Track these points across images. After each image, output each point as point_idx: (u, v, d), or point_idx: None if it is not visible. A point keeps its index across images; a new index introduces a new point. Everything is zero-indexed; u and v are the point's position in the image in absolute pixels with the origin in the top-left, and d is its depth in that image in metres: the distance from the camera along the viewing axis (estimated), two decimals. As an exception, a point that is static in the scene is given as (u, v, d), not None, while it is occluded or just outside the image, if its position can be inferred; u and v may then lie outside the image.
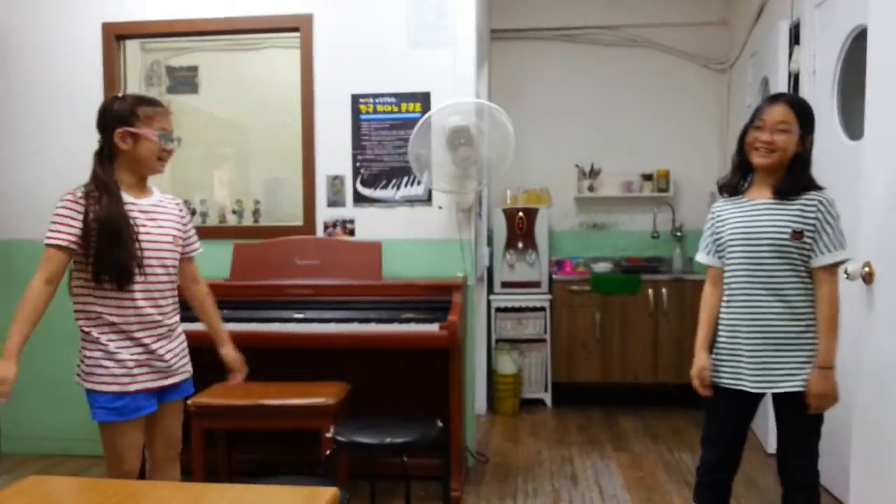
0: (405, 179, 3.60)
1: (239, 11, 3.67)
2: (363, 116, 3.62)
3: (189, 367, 2.36)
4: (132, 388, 2.15)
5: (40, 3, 3.81)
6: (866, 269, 2.24)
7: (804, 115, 2.19)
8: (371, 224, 3.64)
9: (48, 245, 2.09)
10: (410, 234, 3.61)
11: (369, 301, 3.31)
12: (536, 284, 4.94)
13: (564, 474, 3.61)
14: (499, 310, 4.91)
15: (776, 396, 2.22)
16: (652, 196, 5.19)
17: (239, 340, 3.16)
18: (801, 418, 2.20)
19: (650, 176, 5.19)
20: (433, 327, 3.10)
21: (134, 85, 3.86)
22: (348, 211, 3.66)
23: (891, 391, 2.17)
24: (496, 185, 5.15)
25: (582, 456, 3.89)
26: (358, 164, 3.64)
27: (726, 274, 2.27)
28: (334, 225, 3.68)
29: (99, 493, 1.53)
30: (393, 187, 3.62)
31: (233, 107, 3.93)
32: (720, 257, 2.30)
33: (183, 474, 2.45)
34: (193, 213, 3.88)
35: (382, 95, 3.60)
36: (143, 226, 2.17)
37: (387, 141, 3.61)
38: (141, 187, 2.24)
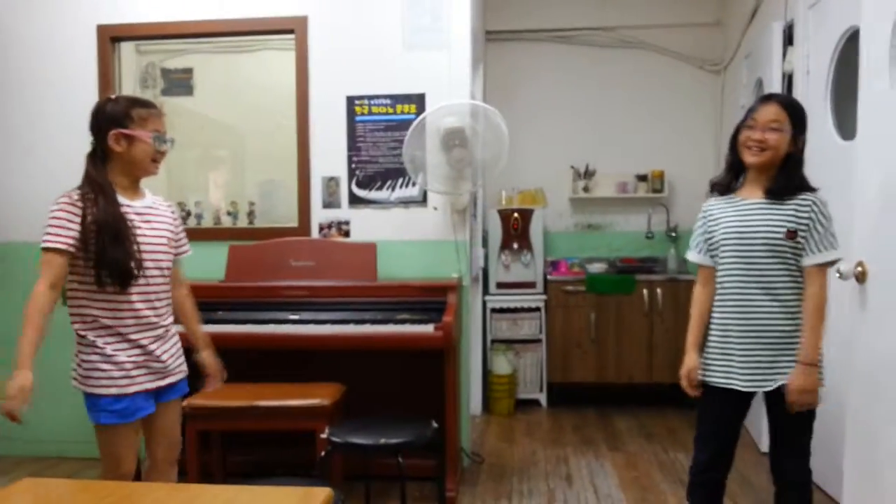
0: (400, 181, 3.61)
1: (234, 13, 3.68)
2: (358, 118, 3.63)
3: (184, 367, 2.36)
4: (131, 389, 2.15)
5: (33, 4, 3.80)
6: (859, 268, 2.25)
7: (796, 115, 2.20)
8: (366, 225, 3.65)
9: (48, 249, 2.07)
10: (405, 235, 3.62)
11: (364, 302, 3.31)
12: (531, 285, 4.94)
13: (559, 474, 3.62)
14: (494, 310, 4.92)
15: (768, 395, 2.23)
16: (646, 197, 5.20)
17: (234, 342, 3.19)
18: (793, 417, 2.21)
19: (645, 177, 5.20)
20: (428, 328, 3.11)
21: (129, 87, 3.86)
22: (343, 212, 3.67)
23: (883, 390, 2.18)
24: (491, 186, 5.16)
25: (577, 456, 3.90)
26: (353, 165, 3.64)
27: (719, 273, 2.27)
28: (329, 226, 3.68)
29: (94, 495, 1.53)
30: (388, 188, 3.63)
31: (228, 109, 3.93)
32: (712, 256, 2.31)
33: (178, 476, 2.44)
34: (188, 214, 3.88)
35: (377, 97, 3.61)
36: (139, 228, 2.18)
37: (382, 142, 3.61)
38: (134, 189, 2.24)
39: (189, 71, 3.91)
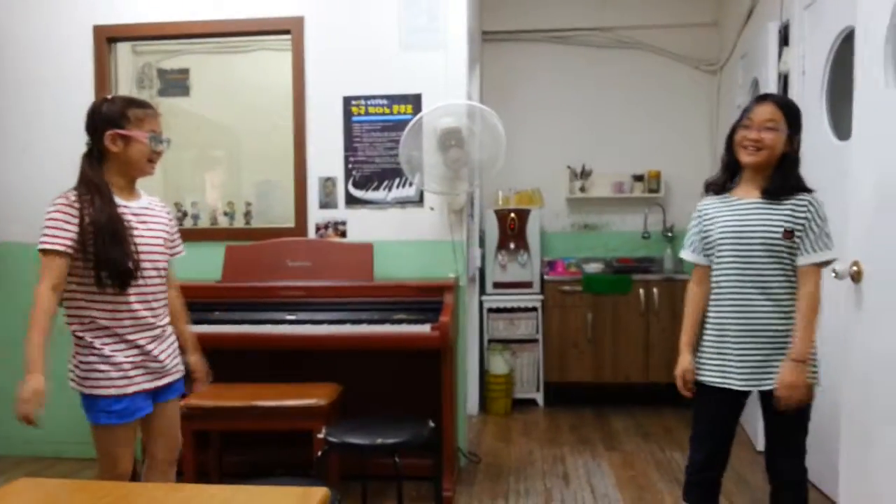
0: (397, 181, 3.61)
1: (230, 14, 3.68)
2: (355, 118, 3.63)
3: (181, 367, 2.37)
4: (130, 390, 2.15)
5: (29, 4, 3.80)
6: (854, 268, 2.26)
7: (791, 115, 2.22)
8: (363, 225, 3.65)
9: (47, 251, 2.06)
10: (402, 235, 3.62)
11: (361, 302, 3.31)
12: (528, 285, 4.95)
13: (556, 474, 3.62)
14: (491, 310, 4.92)
15: (763, 394, 2.23)
16: (643, 197, 5.21)
17: (231, 342, 3.19)
18: (789, 416, 2.22)
19: (641, 177, 5.21)
20: (425, 328, 3.11)
21: (125, 87, 3.86)
22: (340, 212, 3.67)
23: (879, 389, 2.18)
24: (488, 186, 5.17)
25: (574, 455, 3.91)
26: (349, 165, 3.64)
27: (715, 272, 2.28)
28: (326, 226, 3.68)
29: (90, 495, 1.53)
30: (384, 189, 3.63)
31: (224, 109, 3.92)
32: (707, 255, 2.32)
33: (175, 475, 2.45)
34: (185, 215, 3.87)
35: (374, 97, 3.61)
36: (136, 228, 2.18)
37: (378, 143, 3.61)
38: (130, 190, 2.24)
39: (185, 71, 3.91)
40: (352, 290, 3.33)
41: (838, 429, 2.44)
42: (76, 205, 2.08)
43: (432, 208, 3.61)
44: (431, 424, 2.72)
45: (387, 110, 3.61)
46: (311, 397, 2.91)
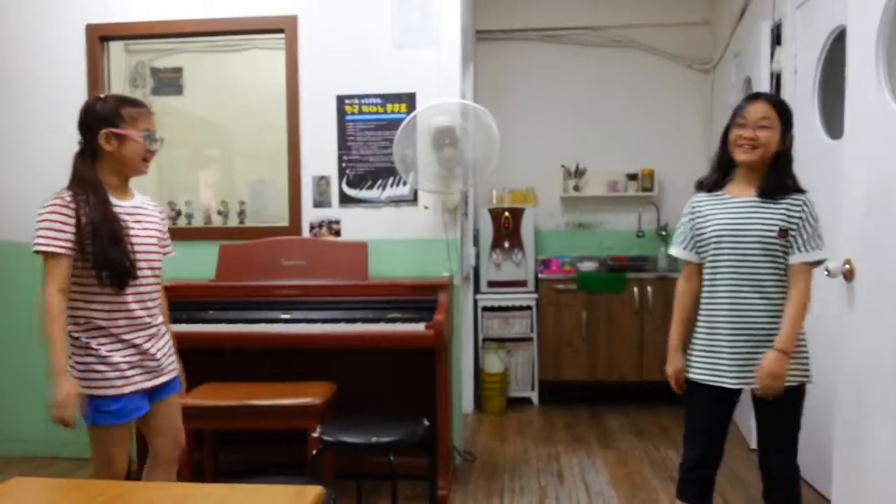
0: (391, 180, 3.61)
1: (223, 13, 3.67)
2: (348, 117, 3.63)
3: (176, 365, 2.36)
4: (127, 389, 2.15)
5: (22, 3, 3.78)
6: (847, 266, 2.27)
7: (784, 113, 2.23)
8: (357, 224, 3.65)
9: (49, 253, 2.04)
10: (396, 234, 3.62)
11: (356, 301, 3.31)
12: (523, 283, 4.95)
13: (551, 472, 3.63)
14: (485, 309, 4.92)
15: (755, 392, 2.24)
16: (637, 195, 5.22)
17: (225, 341, 3.19)
18: (781, 414, 2.23)
19: (635, 175, 5.22)
20: (419, 327, 3.11)
21: (118, 86, 3.84)
22: (334, 211, 3.67)
23: (871, 387, 2.20)
24: (482, 185, 5.17)
25: (568, 453, 3.91)
26: (343, 164, 3.64)
27: (708, 270, 2.29)
28: (320, 225, 3.68)
29: (85, 494, 1.52)
30: (378, 188, 3.63)
31: (218, 108, 3.92)
32: (698, 252, 2.33)
33: (170, 475, 2.44)
34: (178, 214, 3.87)
35: (368, 96, 3.61)
36: (132, 228, 2.17)
37: (372, 141, 3.61)
38: (124, 189, 2.23)
39: (179, 70, 3.90)
40: (346, 288, 3.33)
41: (831, 426, 2.46)
42: (72, 205, 2.07)
43: (426, 207, 3.61)
44: (426, 423, 2.72)
45: (380, 109, 3.61)
46: (305, 396, 2.91)
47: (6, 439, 3.87)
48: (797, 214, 2.19)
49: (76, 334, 2.13)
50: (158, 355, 2.24)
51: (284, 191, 3.70)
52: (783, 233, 2.18)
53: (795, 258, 2.19)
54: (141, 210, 2.25)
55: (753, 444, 3.68)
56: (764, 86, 3.68)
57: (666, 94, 5.26)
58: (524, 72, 5.35)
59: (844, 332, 2.36)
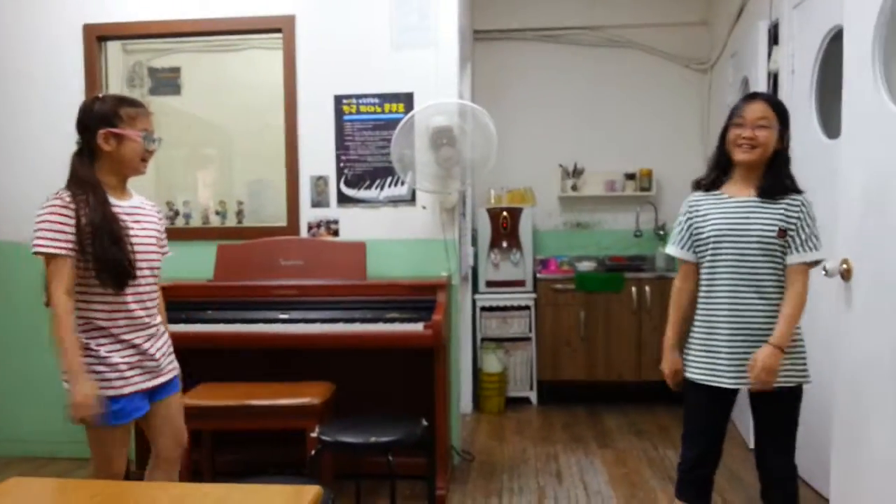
0: (389, 180, 3.61)
1: (221, 12, 3.67)
2: (346, 117, 3.63)
3: (176, 364, 2.36)
4: (127, 390, 2.14)
5: (19, 2, 3.78)
6: (844, 266, 2.27)
7: (781, 113, 2.24)
8: (355, 224, 3.65)
9: (51, 255, 2.04)
10: (394, 234, 3.62)
11: (354, 301, 3.31)
12: (521, 283, 4.96)
13: (549, 471, 3.63)
14: (484, 309, 4.92)
15: (754, 393, 2.25)
16: (635, 195, 5.22)
17: (223, 341, 3.18)
18: (778, 414, 2.24)
19: (633, 175, 5.23)
20: (418, 327, 3.11)
21: (115, 86, 3.84)
22: (332, 211, 3.67)
23: (869, 387, 2.20)
24: (480, 185, 5.17)
25: (567, 453, 3.92)
26: (341, 164, 3.64)
27: (706, 269, 2.29)
28: (318, 225, 3.68)
29: (83, 494, 1.52)
30: (377, 188, 3.63)
31: (216, 108, 3.91)
32: (695, 252, 2.33)
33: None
34: (177, 214, 3.86)
35: (365, 96, 3.61)
36: (131, 228, 2.17)
37: (370, 141, 3.61)
38: (122, 189, 2.23)
39: (176, 70, 3.90)
40: (344, 288, 3.33)
41: (829, 426, 2.46)
42: (71, 205, 2.06)
43: (424, 207, 3.61)
44: (425, 423, 2.72)
45: (378, 109, 3.61)
46: (304, 396, 2.91)
47: (5, 439, 3.87)
48: (795, 214, 2.19)
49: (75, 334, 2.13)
50: (157, 355, 2.24)
51: (282, 191, 3.70)
52: (782, 233, 2.18)
53: (793, 258, 2.19)
54: (140, 210, 2.25)
55: (752, 444, 3.68)
56: (761, 86, 3.69)
57: (663, 94, 5.27)
58: (522, 72, 5.35)
59: (842, 332, 2.36)
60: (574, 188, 5.26)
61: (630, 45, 5.26)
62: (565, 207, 5.40)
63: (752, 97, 2.30)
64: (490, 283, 4.97)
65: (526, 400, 4.96)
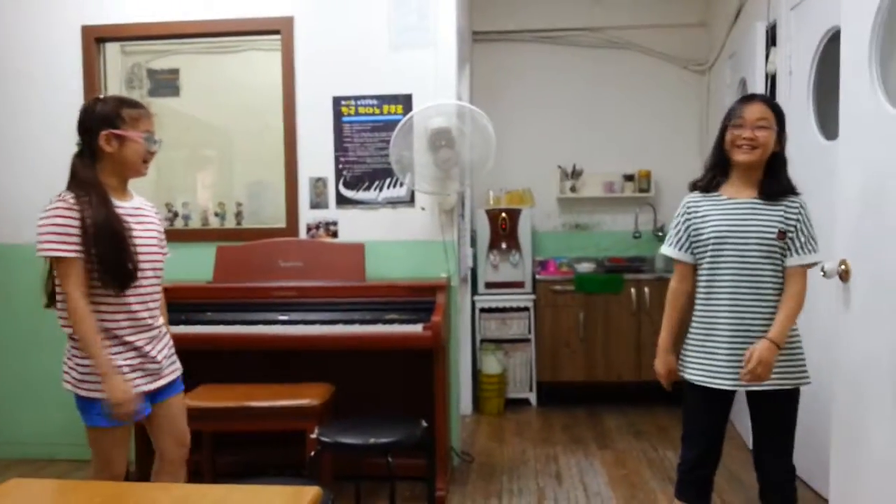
0: (387, 181, 3.61)
1: (220, 14, 3.67)
2: (345, 118, 3.63)
3: (178, 365, 2.37)
4: None
5: (18, 4, 3.78)
6: (842, 266, 2.28)
7: (778, 114, 2.25)
8: (354, 226, 3.65)
9: (61, 258, 2.04)
10: (393, 235, 3.62)
11: (353, 302, 3.31)
12: (520, 285, 4.96)
13: (549, 473, 3.63)
14: (483, 310, 4.93)
15: (752, 394, 2.25)
16: (633, 196, 5.23)
17: (223, 343, 3.18)
18: (776, 416, 2.24)
19: (632, 176, 5.23)
20: (417, 328, 3.11)
21: (114, 88, 3.84)
22: (331, 213, 3.67)
23: (868, 387, 2.20)
24: (479, 186, 5.18)
25: (567, 454, 3.92)
26: (340, 166, 3.64)
27: (705, 271, 2.28)
28: (317, 227, 3.68)
29: (83, 495, 1.52)
30: (375, 189, 3.63)
31: (215, 109, 3.92)
32: (693, 253, 2.33)
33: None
34: (176, 215, 3.86)
35: (364, 97, 3.61)
36: (134, 229, 2.17)
37: (369, 143, 3.61)
38: (123, 190, 2.23)
39: (175, 72, 3.90)
40: (344, 290, 3.33)
41: (828, 426, 2.47)
42: (76, 207, 2.06)
43: (423, 208, 3.61)
44: (424, 424, 2.72)
45: (377, 110, 3.61)
46: (303, 397, 2.91)
47: (5, 442, 3.86)
48: (794, 216, 2.20)
49: (77, 336, 2.13)
50: (159, 357, 2.24)
51: (281, 192, 3.70)
52: (781, 234, 2.18)
53: (793, 261, 2.19)
54: (141, 211, 2.25)
55: (752, 445, 3.70)
56: (759, 87, 3.69)
57: (662, 95, 5.28)
58: (520, 73, 5.36)
59: (840, 333, 2.36)
60: (573, 189, 5.26)
61: (628, 46, 5.27)
62: (564, 209, 5.40)
63: (749, 98, 2.31)
64: (489, 285, 4.97)
65: (525, 401, 4.96)
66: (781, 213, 2.20)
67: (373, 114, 3.61)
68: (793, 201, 2.22)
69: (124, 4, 3.73)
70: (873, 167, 2.19)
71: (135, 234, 2.15)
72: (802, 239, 2.19)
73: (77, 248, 2.04)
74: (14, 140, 3.82)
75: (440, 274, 3.54)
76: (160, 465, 2.34)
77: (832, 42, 3.05)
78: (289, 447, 3.21)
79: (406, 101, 3.57)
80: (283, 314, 3.28)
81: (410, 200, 3.62)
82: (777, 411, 2.24)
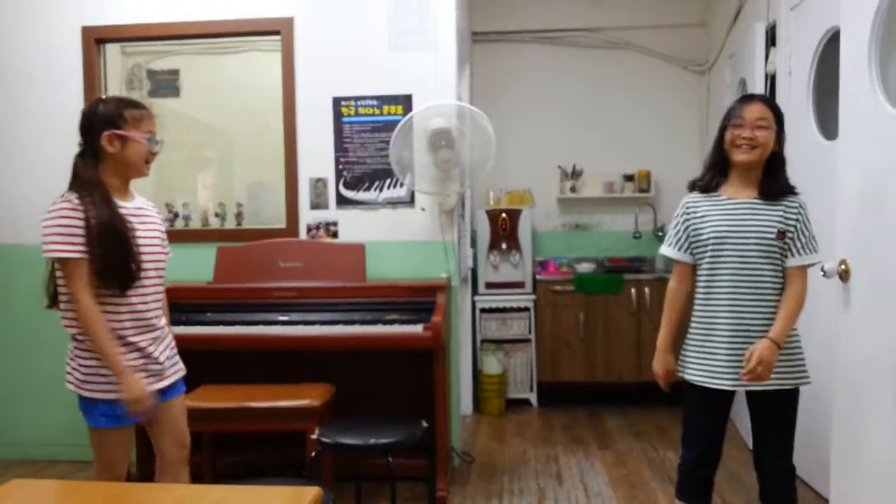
0: (388, 181, 3.61)
1: (220, 15, 3.67)
2: (345, 119, 3.63)
3: (181, 366, 2.37)
4: None
5: (18, 5, 3.78)
6: (842, 266, 2.28)
7: (777, 114, 2.25)
8: (354, 226, 3.65)
9: (69, 259, 2.04)
10: (394, 235, 3.62)
11: (353, 303, 3.31)
12: (520, 285, 4.96)
13: (550, 473, 3.63)
14: (483, 310, 4.93)
15: (751, 395, 2.25)
16: (633, 196, 5.23)
17: (223, 343, 3.18)
18: (776, 416, 2.24)
19: (631, 177, 5.23)
20: (417, 328, 3.11)
21: (114, 89, 3.84)
22: (331, 213, 3.67)
23: (868, 387, 2.21)
24: (479, 187, 5.18)
25: (567, 455, 3.92)
26: (340, 166, 3.65)
27: (704, 271, 2.28)
28: (317, 227, 3.68)
29: (83, 496, 1.53)
30: (375, 189, 3.63)
31: (215, 110, 3.92)
32: (692, 254, 2.33)
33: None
34: (176, 216, 3.87)
35: (364, 98, 3.61)
36: (137, 229, 2.17)
37: (369, 143, 3.62)
38: (125, 191, 2.23)
39: (175, 72, 3.90)
40: (344, 290, 3.33)
41: (829, 426, 2.47)
42: (80, 207, 2.06)
43: (423, 209, 3.61)
44: (425, 425, 2.72)
45: (377, 111, 3.61)
46: (304, 398, 2.91)
47: (5, 443, 3.86)
48: (794, 217, 2.20)
49: (81, 337, 2.13)
50: (161, 359, 2.24)
51: (281, 193, 3.70)
52: (781, 234, 2.19)
53: (794, 261, 2.20)
54: (143, 211, 2.26)
55: (752, 445, 3.70)
56: (758, 87, 3.70)
57: (662, 96, 5.28)
58: (520, 73, 5.36)
59: (840, 333, 2.36)
60: (573, 190, 5.26)
61: (628, 46, 5.27)
62: (564, 209, 5.40)
63: (748, 98, 2.31)
64: (489, 285, 4.97)
65: (526, 401, 4.96)
66: (781, 213, 2.20)
67: (373, 114, 3.61)
68: (792, 201, 2.22)
69: (124, 5, 3.73)
70: (873, 167, 2.19)
71: (138, 234, 2.16)
72: (803, 239, 2.19)
73: (83, 248, 2.05)
74: (14, 140, 3.82)
75: (440, 274, 3.54)
76: (161, 466, 2.35)
77: (832, 42, 3.05)
78: (289, 448, 3.21)
79: (406, 102, 3.57)
80: (283, 315, 3.28)
81: (410, 201, 3.62)
82: (777, 411, 2.24)
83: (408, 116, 3.38)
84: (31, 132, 3.80)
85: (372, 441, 2.54)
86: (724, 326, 2.23)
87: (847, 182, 2.34)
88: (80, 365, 2.13)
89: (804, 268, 2.20)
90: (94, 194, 2.08)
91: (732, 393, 2.28)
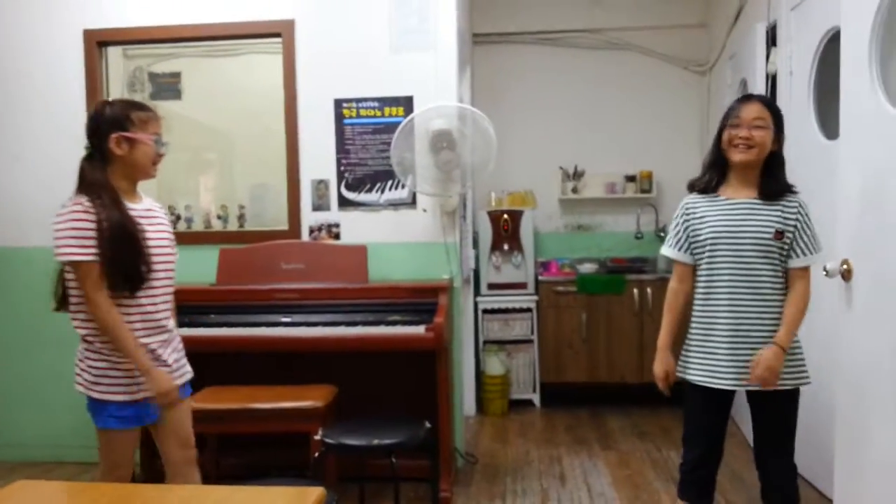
0: (389, 183, 3.62)
1: (221, 17, 3.68)
2: (346, 121, 3.64)
3: (189, 369, 2.38)
4: (140, 395, 2.16)
5: (20, 8, 3.79)
6: (844, 266, 2.28)
7: (776, 114, 2.25)
8: (356, 227, 3.65)
9: (82, 262, 2.05)
10: (395, 237, 3.63)
11: (356, 304, 3.32)
12: (522, 286, 4.96)
13: (553, 474, 3.64)
14: (486, 311, 4.93)
15: (752, 394, 2.26)
16: (635, 197, 5.23)
17: (226, 345, 3.19)
18: (777, 417, 2.25)
19: (633, 177, 5.24)
20: (419, 329, 3.12)
21: (116, 91, 3.85)
22: (333, 215, 3.67)
23: (870, 387, 2.21)
24: (480, 188, 5.18)
25: (570, 455, 3.92)
26: (342, 168, 3.65)
27: (703, 271, 2.29)
28: (319, 229, 3.69)
29: (89, 497, 1.53)
30: (377, 191, 3.64)
31: (217, 113, 3.93)
32: (692, 254, 2.33)
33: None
34: (178, 218, 3.88)
35: (365, 100, 3.62)
36: (146, 230, 2.18)
37: (370, 145, 3.62)
38: (133, 193, 2.24)
39: (177, 75, 3.91)
40: (346, 291, 3.34)
41: (831, 426, 2.47)
42: (91, 210, 2.07)
43: (425, 210, 3.61)
44: (428, 425, 2.73)
45: (378, 112, 3.62)
46: (307, 399, 2.91)
47: (8, 444, 3.87)
48: (793, 217, 2.20)
49: (90, 338, 2.14)
50: (170, 361, 2.25)
51: (283, 194, 3.71)
52: (779, 234, 2.19)
53: (797, 262, 2.20)
54: (152, 213, 2.27)
55: (752, 445, 3.70)
56: (759, 87, 3.70)
57: (663, 96, 5.28)
58: (521, 74, 5.37)
59: (843, 332, 2.37)
60: (574, 190, 5.27)
61: (629, 47, 5.28)
62: (566, 210, 5.41)
63: (746, 98, 2.32)
64: (492, 286, 4.97)
65: (529, 402, 4.96)
66: (779, 212, 2.20)
67: (374, 116, 3.62)
68: (791, 201, 2.22)
69: (126, 8, 3.74)
70: (874, 166, 2.20)
71: (147, 235, 2.17)
72: (804, 240, 2.19)
73: (95, 251, 2.06)
74: (16, 143, 3.83)
75: (442, 275, 3.54)
76: (168, 469, 2.35)
77: (832, 42, 3.06)
78: (292, 449, 3.21)
79: (407, 103, 3.58)
80: (285, 316, 3.29)
81: (412, 202, 3.63)
82: (777, 411, 2.25)
83: (409, 118, 3.39)
84: (33, 135, 3.81)
85: (375, 442, 2.54)
86: (723, 326, 2.24)
87: (848, 181, 2.34)
88: (90, 367, 2.13)
89: (807, 269, 2.21)
90: (103, 197, 2.09)
91: (733, 393, 2.28)
